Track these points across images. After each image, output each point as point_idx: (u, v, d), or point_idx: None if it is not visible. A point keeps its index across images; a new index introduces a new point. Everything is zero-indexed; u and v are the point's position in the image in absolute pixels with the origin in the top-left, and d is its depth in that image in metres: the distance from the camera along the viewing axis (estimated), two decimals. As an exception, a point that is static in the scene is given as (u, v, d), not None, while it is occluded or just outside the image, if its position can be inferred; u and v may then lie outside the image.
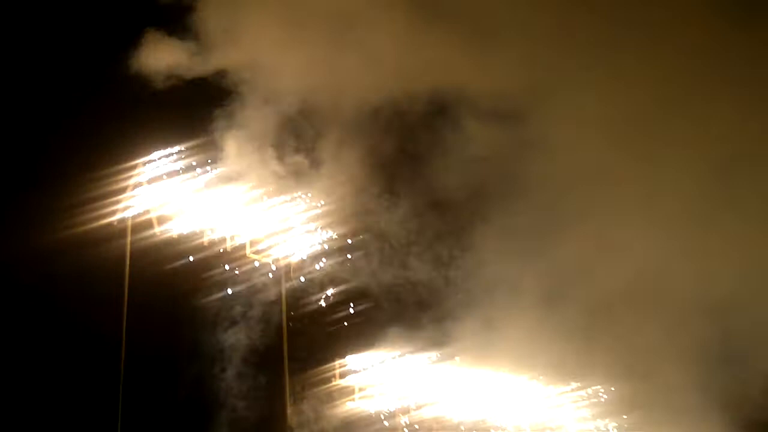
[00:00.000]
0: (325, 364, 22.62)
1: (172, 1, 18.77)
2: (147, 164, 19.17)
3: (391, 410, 23.96)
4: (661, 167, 21.45)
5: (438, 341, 23.52)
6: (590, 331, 22.67)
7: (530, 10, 20.29)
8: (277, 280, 21.36)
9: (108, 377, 17.67)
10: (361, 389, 23.60)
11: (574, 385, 27.05)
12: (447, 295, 23.13)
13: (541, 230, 21.94)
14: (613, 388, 27.09)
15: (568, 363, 24.88)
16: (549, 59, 20.50)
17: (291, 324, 21.58)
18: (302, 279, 21.77)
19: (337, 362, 23.17)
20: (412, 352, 23.91)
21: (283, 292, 21.38)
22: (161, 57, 18.78)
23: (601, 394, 27.42)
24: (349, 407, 23.16)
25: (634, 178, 21.74)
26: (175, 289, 19.18)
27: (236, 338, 20.35)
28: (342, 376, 23.26)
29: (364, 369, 23.59)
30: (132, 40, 18.72)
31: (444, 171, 21.59)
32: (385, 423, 23.76)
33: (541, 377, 26.60)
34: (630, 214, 21.72)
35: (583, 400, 27.42)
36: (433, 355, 24.27)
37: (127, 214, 18.83)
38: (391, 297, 22.96)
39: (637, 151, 21.41)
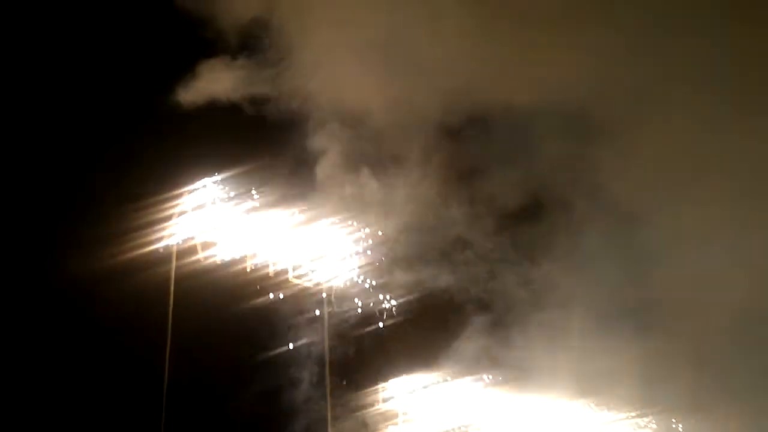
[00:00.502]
0: (368, 387, 22.62)
1: (223, 27, 19.00)
2: (192, 191, 19.35)
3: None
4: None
5: (490, 365, 23.41)
6: (659, 359, 22.31)
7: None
8: (320, 304, 21.42)
9: (151, 404, 17.85)
10: (404, 414, 23.56)
11: (637, 414, 26.59)
12: (501, 316, 22.97)
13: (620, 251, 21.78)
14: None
15: (634, 392, 24.54)
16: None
17: (333, 348, 21.62)
18: (345, 303, 21.81)
19: (381, 386, 23.17)
20: (459, 376, 23.81)
21: (326, 316, 21.44)
22: (208, 83, 19.02)
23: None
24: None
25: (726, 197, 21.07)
26: (219, 315, 19.31)
27: (279, 363, 20.46)
28: (385, 400, 23.25)
29: (408, 393, 23.56)
30: (180, 66, 18.98)
31: (502, 185, 21.65)
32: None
33: (602, 406, 26.22)
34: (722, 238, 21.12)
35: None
36: (483, 378, 24.13)
37: (172, 240, 19.02)
38: (439, 317, 22.93)
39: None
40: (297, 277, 21.08)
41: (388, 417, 23.17)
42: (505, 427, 24.56)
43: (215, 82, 18.92)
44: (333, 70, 19.89)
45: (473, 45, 19.77)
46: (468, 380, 23.96)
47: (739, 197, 20.92)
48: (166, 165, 18.64)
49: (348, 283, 21.86)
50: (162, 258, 18.78)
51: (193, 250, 19.30)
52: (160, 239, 18.84)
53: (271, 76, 19.69)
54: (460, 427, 24.21)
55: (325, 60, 19.90)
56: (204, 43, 18.72)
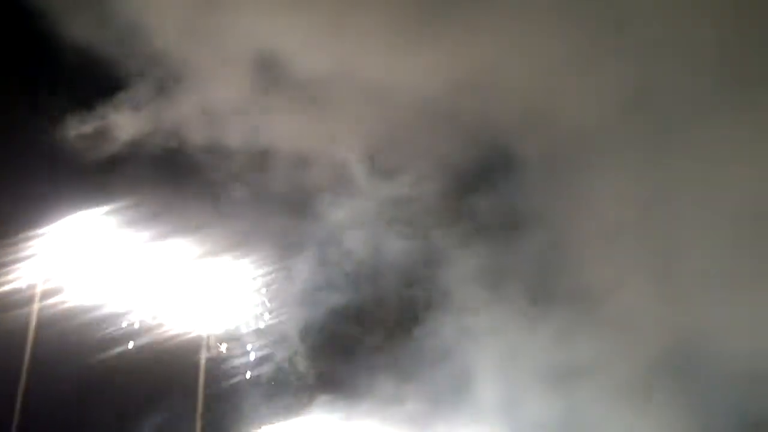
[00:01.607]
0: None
1: (103, 56, 18.40)
2: (60, 228, 18.61)
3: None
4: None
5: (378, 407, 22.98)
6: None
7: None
8: (194, 351, 20.76)
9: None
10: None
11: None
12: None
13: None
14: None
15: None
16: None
17: (209, 395, 20.95)
18: (223, 350, 21.20)
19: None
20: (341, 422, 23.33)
21: (202, 363, 20.79)
22: (82, 116, 18.40)
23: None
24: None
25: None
26: (82, 360, 18.51)
27: (148, 410, 19.68)
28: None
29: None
30: (55, 99, 18.33)
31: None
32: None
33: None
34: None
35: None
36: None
37: (36, 280, 18.23)
38: (320, 368, 22.48)
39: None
40: (172, 323, 20.40)
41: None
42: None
43: (90, 116, 18.26)
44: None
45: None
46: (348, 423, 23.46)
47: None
48: (34, 202, 17.87)
49: (228, 328, 21.23)
50: (24, 298, 17.95)
51: (58, 290, 18.51)
52: (21, 278, 18.02)
53: (150, 109, 19.11)
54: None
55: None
56: (83, 74, 18.05)
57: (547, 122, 20.61)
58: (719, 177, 20.15)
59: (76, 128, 18.33)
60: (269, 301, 21.66)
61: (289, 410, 22.65)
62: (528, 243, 21.85)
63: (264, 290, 21.55)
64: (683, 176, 20.54)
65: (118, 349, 19.28)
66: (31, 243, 18.20)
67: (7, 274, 17.70)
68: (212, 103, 19.19)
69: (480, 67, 19.91)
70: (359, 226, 22.09)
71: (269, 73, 18.96)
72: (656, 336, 20.80)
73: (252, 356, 21.89)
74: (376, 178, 21.90)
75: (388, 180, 21.96)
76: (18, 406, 17.14)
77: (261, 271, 21.26)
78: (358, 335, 22.72)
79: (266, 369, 21.96)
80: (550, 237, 21.74)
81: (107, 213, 18.96)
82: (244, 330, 21.60)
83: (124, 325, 19.57)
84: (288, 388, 22.43)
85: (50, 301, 18.36)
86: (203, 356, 20.89)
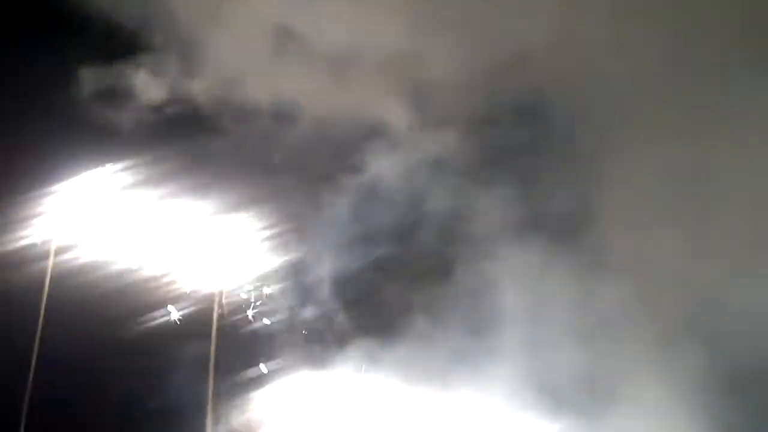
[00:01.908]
0: (255, 390, 22.29)
1: (114, 22, 18.38)
2: (74, 186, 18.74)
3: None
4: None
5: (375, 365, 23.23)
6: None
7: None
8: (206, 307, 20.99)
9: (12, 405, 17.35)
10: (289, 413, 23.32)
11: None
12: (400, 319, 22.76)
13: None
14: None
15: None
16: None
17: (220, 349, 21.22)
18: (235, 305, 21.42)
19: (267, 386, 22.87)
20: (346, 377, 23.62)
21: (215, 318, 21.02)
22: (97, 77, 18.40)
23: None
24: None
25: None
26: (97, 315, 18.75)
27: (161, 367, 19.95)
28: (271, 400, 22.97)
29: (295, 393, 23.29)
30: (71, 60, 18.33)
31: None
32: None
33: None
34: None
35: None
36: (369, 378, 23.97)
37: (51, 236, 18.41)
38: (323, 324, 22.71)
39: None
40: (185, 279, 20.60)
41: (272, 417, 22.87)
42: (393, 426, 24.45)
43: (104, 77, 18.26)
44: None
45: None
46: (354, 380, 23.76)
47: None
48: (49, 159, 17.99)
49: (240, 286, 21.43)
50: (39, 254, 18.16)
51: (72, 246, 18.70)
52: (38, 234, 18.21)
53: (168, 71, 19.10)
54: (345, 426, 24.00)
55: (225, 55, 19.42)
56: (97, 38, 18.03)
57: (583, 82, 20.73)
58: (750, 143, 20.28)
59: (92, 86, 18.33)
60: (285, 257, 21.79)
61: (304, 363, 22.96)
62: (558, 198, 21.99)
63: (279, 247, 21.67)
64: (714, 142, 20.65)
65: (132, 305, 19.49)
66: (45, 200, 18.33)
67: (22, 230, 17.86)
68: (230, 65, 19.14)
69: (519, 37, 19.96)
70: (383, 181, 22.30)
71: (292, 42, 18.94)
72: (680, 291, 21.00)
73: (266, 311, 22.12)
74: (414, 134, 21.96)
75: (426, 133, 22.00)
76: (34, 359, 17.45)
77: (275, 228, 21.37)
78: (379, 287, 22.87)
79: (280, 323, 22.19)
80: (581, 192, 21.89)
81: (121, 170, 19.04)
82: (257, 286, 21.77)
83: (137, 280, 19.76)
84: (303, 341, 22.67)
85: (64, 256, 18.54)
86: (216, 311, 21.11)
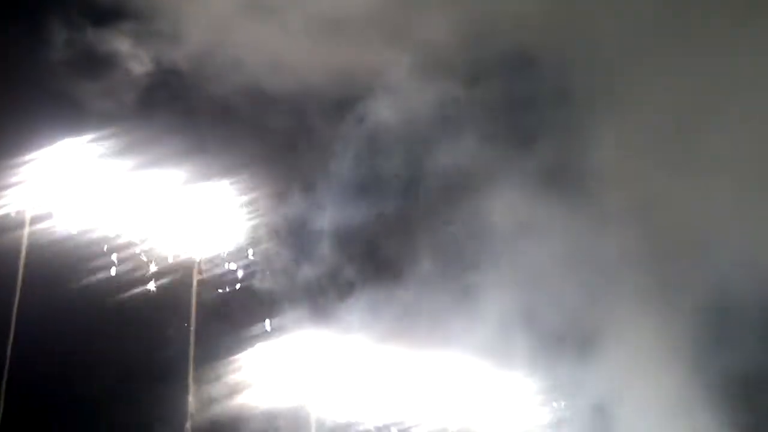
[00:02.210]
0: (232, 355, 22.35)
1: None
2: (49, 155, 18.53)
3: (299, 402, 23.85)
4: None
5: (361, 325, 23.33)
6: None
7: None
8: (184, 274, 20.95)
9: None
10: (270, 380, 23.43)
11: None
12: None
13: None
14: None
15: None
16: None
17: (199, 317, 21.23)
18: (210, 273, 21.40)
19: (244, 354, 22.94)
20: (322, 343, 23.73)
21: (194, 285, 21.01)
22: (70, 45, 18.11)
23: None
24: (250, 398, 23.02)
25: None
26: (74, 283, 18.73)
27: (138, 333, 19.96)
28: (248, 367, 23.06)
29: (270, 361, 23.40)
30: (47, 21, 18.03)
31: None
32: (290, 415, 23.67)
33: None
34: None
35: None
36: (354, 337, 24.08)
37: (26, 205, 18.24)
38: (302, 289, 22.72)
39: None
40: (163, 245, 20.53)
41: (252, 384, 22.99)
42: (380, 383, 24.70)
43: (80, 44, 17.96)
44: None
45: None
46: (338, 339, 23.91)
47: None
48: (22, 128, 17.76)
49: (219, 251, 21.39)
50: (14, 223, 18.00)
51: (48, 216, 18.55)
52: (13, 203, 18.03)
53: (147, 37, 18.83)
54: (330, 387, 24.18)
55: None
56: (72, 5, 17.72)
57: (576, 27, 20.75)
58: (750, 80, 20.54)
59: (67, 54, 18.05)
60: (264, 221, 21.75)
61: (283, 328, 23.02)
62: (555, 147, 22.07)
63: (259, 211, 21.63)
64: (713, 81, 20.85)
65: (110, 273, 19.43)
66: (20, 169, 18.14)
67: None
68: (206, 32, 18.90)
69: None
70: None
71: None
72: (673, 222, 21.18)
73: (243, 276, 22.11)
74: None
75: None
76: (12, 328, 17.40)
77: (255, 192, 21.33)
78: (372, 243, 22.94)
79: (260, 287, 22.20)
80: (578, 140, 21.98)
81: (96, 139, 18.84)
82: (235, 251, 21.73)
83: (114, 249, 19.68)
84: (285, 303, 22.70)
85: (40, 225, 18.39)
86: (195, 278, 21.09)
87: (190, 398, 20.73)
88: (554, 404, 27.11)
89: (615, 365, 22.30)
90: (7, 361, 17.66)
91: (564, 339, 23.14)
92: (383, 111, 21.99)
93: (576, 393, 24.62)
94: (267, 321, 22.64)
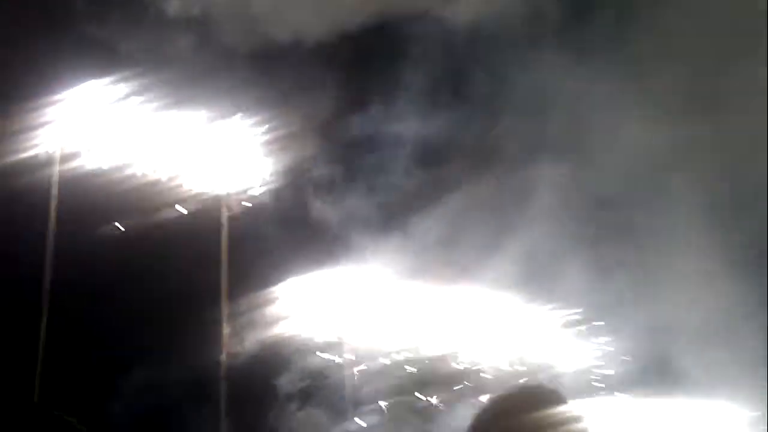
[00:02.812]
0: (266, 288, 22.82)
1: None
2: (79, 93, 18.93)
3: (333, 334, 24.31)
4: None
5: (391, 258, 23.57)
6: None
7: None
8: (216, 210, 21.37)
9: (29, 309, 17.97)
10: (303, 310, 23.90)
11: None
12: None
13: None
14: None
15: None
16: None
17: (230, 250, 21.68)
18: (243, 208, 21.78)
19: (279, 286, 23.40)
20: (363, 271, 24.07)
21: (224, 222, 21.42)
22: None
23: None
24: (286, 331, 23.52)
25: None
26: (105, 222, 19.22)
27: (170, 269, 20.43)
28: (284, 299, 23.53)
29: (304, 293, 23.84)
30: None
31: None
32: (326, 347, 24.17)
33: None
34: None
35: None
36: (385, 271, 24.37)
37: (55, 144, 18.72)
38: (336, 222, 22.99)
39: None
40: (192, 182, 20.94)
41: (286, 314, 23.49)
42: (408, 319, 25.03)
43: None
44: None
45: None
46: (371, 274, 24.23)
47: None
48: (51, 65, 18.14)
49: (248, 187, 21.74)
50: (45, 162, 18.51)
51: (77, 154, 19.02)
52: (42, 142, 18.51)
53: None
54: (361, 322, 24.59)
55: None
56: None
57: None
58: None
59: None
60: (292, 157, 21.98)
61: (316, 262, 23.40)
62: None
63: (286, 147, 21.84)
64: None
65: (140, 209, 19.90)
66: (49, 109, 18.57)
67: (26, 140, 18.17)
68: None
69: None
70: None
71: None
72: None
73: (275, 210, 22.44)
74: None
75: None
76: (48, 264, 17.97)
77: (282, 129, 21.53)
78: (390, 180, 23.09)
79: (291, 222, 22.50)
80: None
81: (125, 78, 19.17)
82: (264, 186, 22.03)
83: (144, 185, 20.12)
84: (313, 240, 23.02)
85: (70, 164, 18.87)
86: (225, 214, 21.50)
87: (224, 331, 21.28)
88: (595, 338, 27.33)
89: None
90: (46, 297, 18.31)
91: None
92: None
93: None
94: (301, 254, 23.01)
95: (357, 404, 23.47)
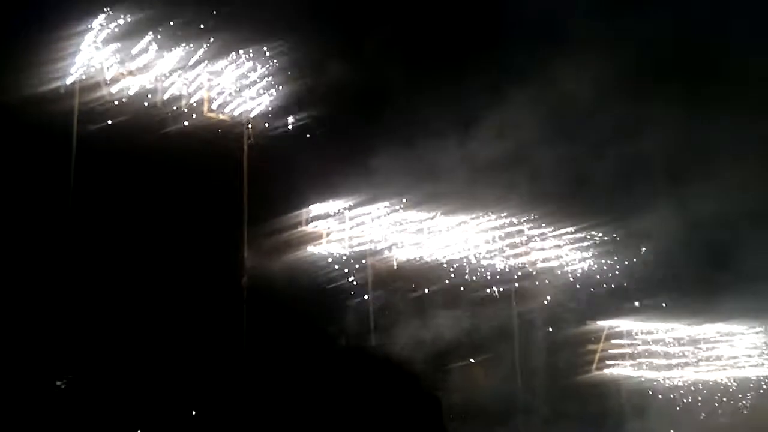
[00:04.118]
0: (289, 212, 23.03)
1: None
2: (97, 22, 18.80)
3: (359, 254, 24.59)
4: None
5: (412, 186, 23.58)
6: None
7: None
8: (238, 137, 21.40)
9: (52, 241, 18.40)
10: (327, 234, 24.17)
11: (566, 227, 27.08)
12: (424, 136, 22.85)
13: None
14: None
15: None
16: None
17: (254, 177, 21.79)
18: (265, 133, 21.75)
19: (304, 210, 23.61)
20: (381, 197, 24.14)
21: (245, 148, 21.47)
22: None
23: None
24: (315, 252, 23.85)
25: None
26: (128, 148, 19.36)
27: (192, 196, 20.66)
28: (308, 222, 23.77)
29: (331, 215, 24.03)
30: None
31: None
32: (353, 267, 24.50)
33: (529, 220, 26.72)
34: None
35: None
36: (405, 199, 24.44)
37: (76, 74, 18.74)
38: (360, 146, 22.85)
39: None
40: (214, 110, 20.91)
41: (310, 238, 23.77)
42: (425, 246, 25.22)
43: None
44: None
45: None
46: (389, 201, 24.32)
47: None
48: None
49: (268, 113, 21.66)
50: (64, 94, 18.58)
51: (97, 85, 19.05)
52: (63, 74, 18.56)
53: None
54: (381, 247, 24.84)
55: None
56: None
57: None
58: None
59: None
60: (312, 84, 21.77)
61: (339, 186, 23.46)
62: None
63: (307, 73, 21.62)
64: None
65: (161, 138, 20.00)
66: (68, 42, 18.52)
67: (47, 73, 18.21)
68: None
69: None
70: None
71: None
72: None
73: (296, 137, 22.40)
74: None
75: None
76: (70, 196, 18.29)
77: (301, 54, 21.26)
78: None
79: (315, 149, 22.46)
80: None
81: (141, 8, 18.97)
82: (287, 113, 21.94)
83: (166, 115, 20.17)
84: (336, 162, 22.96)
85: (90, 95, 18.93)
86: (246, 140, 21.53)
87: (246, 254, 21.63)
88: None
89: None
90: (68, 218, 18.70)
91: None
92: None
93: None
94: (322, 180, 23.07)
95: (377, 327, 23.94)
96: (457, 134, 22.71)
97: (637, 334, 29.32)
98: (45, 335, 18.01)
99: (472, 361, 25.69)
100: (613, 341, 28.39)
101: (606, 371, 27.59)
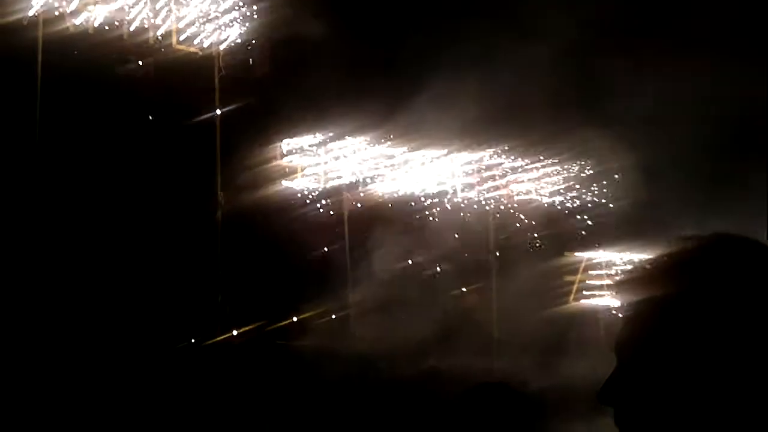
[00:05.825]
0: (263, 146, 22.83)
1: None
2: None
3: (336, 187, 24.46)
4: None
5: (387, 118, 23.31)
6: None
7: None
8: (208, 69, 21.09)
9: (20, 174, 18.22)
10: (302, 169, 24.00)
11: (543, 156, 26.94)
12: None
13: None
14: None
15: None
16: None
17: (225, 112, 21.55)
18: (236, 66, 21.45)
19: (279, 144, 23.40)
20: (358, 131, 23.90)
21: (216, 81, 21.17)
22: None
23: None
24: (290, 186, 23.70)
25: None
26: (93, 82, 19.10)
27: (163, 129, 20.48)
28: (283, 156, 23.58)
29: (307, 149, 23.83)
30: None
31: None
32: (329, 200, 24.38)
33: (504, 150, 26.55)
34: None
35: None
36: (380, 132, 24.22)
37: (37, 7, 18.37)
38: (335, 76, 22.52)
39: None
40: (183, 42, 20.57)
41: (285, 172, 23.61)
42: (402, 181, 25.09)
43: None
44: None
45: None
46: (364, 135, 24.10)
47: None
48: None
49: (240, 46, 21.33)
50: (27, 25, 18.23)
51: (61, 16, 18.68)
52: (23, 5, 18.18)
53: None
54: (356, 181, 24.69)
55: None
56: None
57: None
58: None
59: None
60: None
61: (316, 118, 23.21)
62: None
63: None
64: None
65: (127, 70, 19.72)
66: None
67: (7, 4, 17.84)
68: None
69: None
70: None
71: None
72: None
73: (269, 66, 22.09)
74: None
75: None
76: (37, 131, 18.06)
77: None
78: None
79: (290, 76, 22.13)
80: None
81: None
82: (257, 41, 21.57)
83: (132, 46, 19.85)
84: (316, 95, 22.65)
85: (55, 27, 18.58)
86: (217, 72, 21.24)
87: (219, 188, 21.48)
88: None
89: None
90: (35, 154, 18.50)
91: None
92: None
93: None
94: (298, 110, 22.79)
95: (355, 256, 23.83)
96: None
97: (617, 264, 29.34)
98: (15, 267, 17.92)
99: (464, 289, 25.75)
100: (592, 272, 28.42)
101: (584, 302, 27.68)
